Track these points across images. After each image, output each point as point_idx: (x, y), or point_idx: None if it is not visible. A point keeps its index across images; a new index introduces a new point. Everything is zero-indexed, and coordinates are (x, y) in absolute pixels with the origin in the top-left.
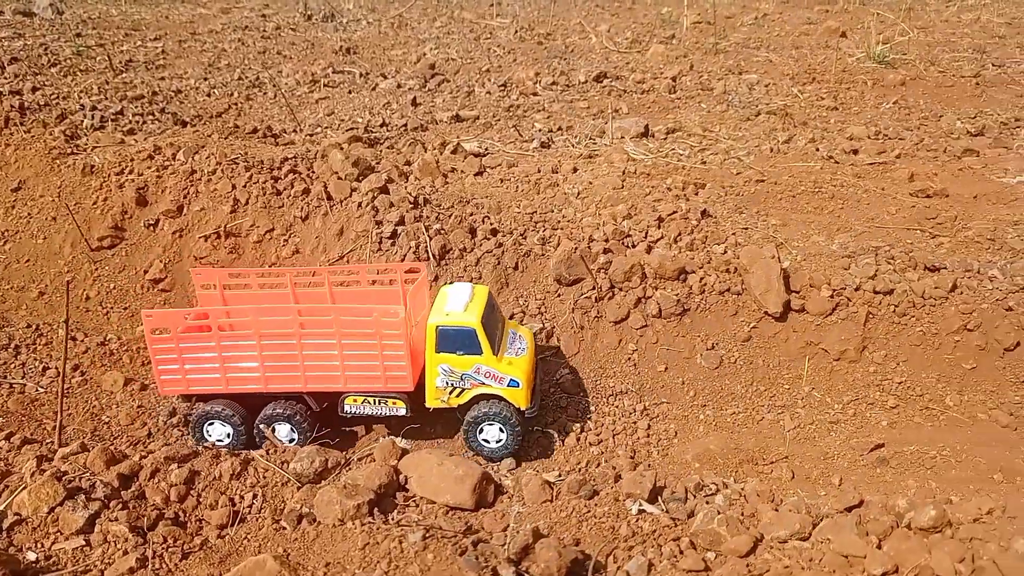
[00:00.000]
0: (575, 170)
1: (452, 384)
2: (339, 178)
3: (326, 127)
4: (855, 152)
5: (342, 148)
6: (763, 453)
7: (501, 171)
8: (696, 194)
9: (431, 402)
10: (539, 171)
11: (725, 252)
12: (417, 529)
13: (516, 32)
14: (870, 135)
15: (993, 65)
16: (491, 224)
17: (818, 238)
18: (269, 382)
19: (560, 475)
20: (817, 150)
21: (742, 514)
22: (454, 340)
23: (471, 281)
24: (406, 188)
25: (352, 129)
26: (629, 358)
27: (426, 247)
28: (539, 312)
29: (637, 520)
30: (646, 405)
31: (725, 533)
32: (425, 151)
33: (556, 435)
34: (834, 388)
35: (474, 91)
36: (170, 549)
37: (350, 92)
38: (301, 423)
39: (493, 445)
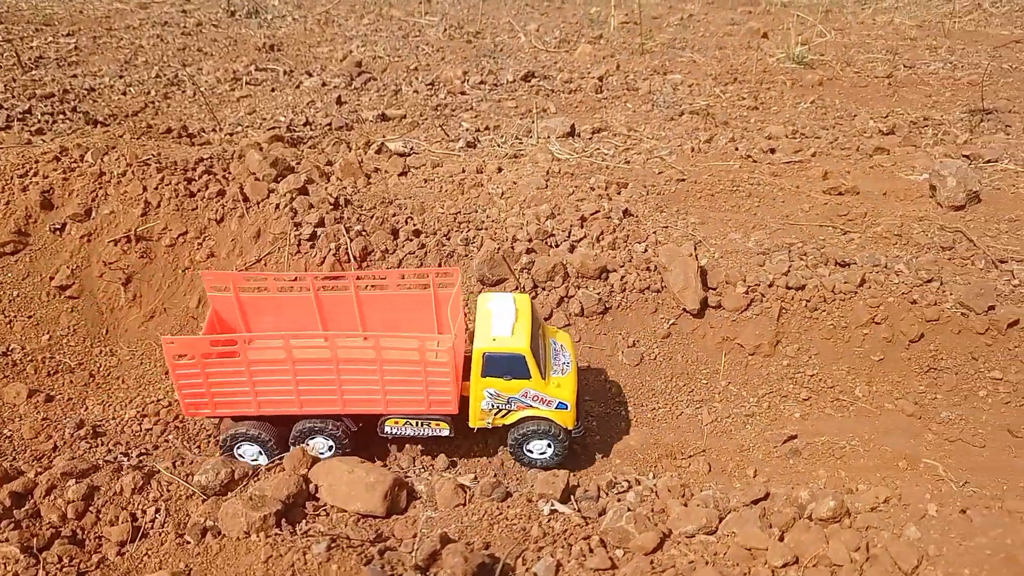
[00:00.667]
0: (500, 170)
1: (498, 406)
2: (256, 179)
3: (247, 126)
4: (772, 151)
5: (261, 148)
6: (682, 447)
7: (425, 171)
8: (619, 193)
9: (475, 423)
10: (464, 171)
11: (646, 251)
12: (322, 540)
13: (445, 30)
14: (788, 134)
15: (904, 66)
16: (414, 225)
17: (735, 235)
18: (304, 406)
19: (476, 477)
20: (736, 149)
21: (652, 510)
22: (502, 366)
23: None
24: (327, 189)
25: (274, 128)
26: None
27: (347, 249)
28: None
29: (549, 520)
30: None
31: (633, 530)
32: (350, 151)
33: (481, 438)
34: (750, 382)
35: (401, 90)
36: (64, 569)
37: (273, 90)
38: (340, 438)
39: (537, 456)
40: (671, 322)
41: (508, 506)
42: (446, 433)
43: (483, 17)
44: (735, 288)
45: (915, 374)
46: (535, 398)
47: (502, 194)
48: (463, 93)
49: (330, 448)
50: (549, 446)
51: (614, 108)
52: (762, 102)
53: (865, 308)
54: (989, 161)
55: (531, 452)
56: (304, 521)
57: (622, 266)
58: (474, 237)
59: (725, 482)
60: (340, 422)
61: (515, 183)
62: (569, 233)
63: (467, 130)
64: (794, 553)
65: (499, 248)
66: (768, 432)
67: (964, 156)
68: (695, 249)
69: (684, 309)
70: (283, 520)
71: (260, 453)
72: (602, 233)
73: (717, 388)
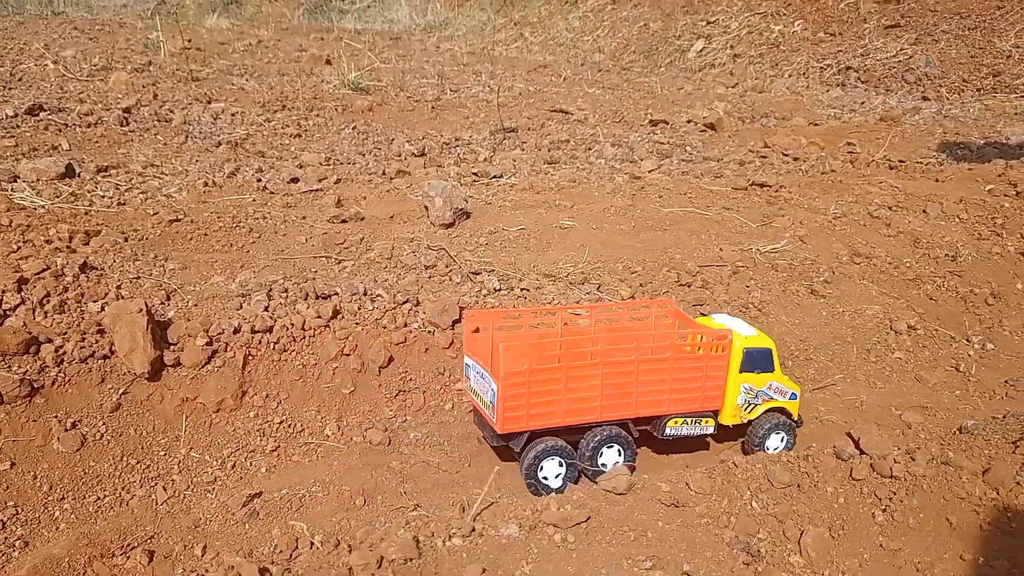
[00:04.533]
0: None
1: (748, 401)
2: None
3: None
4: (296, 180)
5: None
6: (123, 539)
7: None
8: (86, 244)
9: (729, 419)
10: None
11: (102, 310)
12: None
13: None
14: (321, 161)
15: (451, 90)
16: None
17: (219, 279)
18: (604, 411)
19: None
20: (259, 180)
21: None
22: (755, 360)
23: None
24: None
25: None
26: None
27: None
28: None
29: None
30: None
31: None
32: None
33: None
34: (214, 443)
35: None
36: None
37: None
38: (631, 444)
39: (772, 448)
40: (122, 391)
41: None
42: (711, 430)
43: (12, 41)
44: (195, 340)
45: (385, 400)
46: (776, 390)
47: None
48: None
49: (614, 462)
50: (782, 440)
51: (142, 142)
52: (306, 129)
53: (335, 341)
54: (495, 177)
55: (767, 445)
56: None
57: (62, 334)
58: None
59: (168, 571)
60: (626, 428)
61: None
62: (0, 301)
63: None
64: None
65: None
66: (231, 498)
67: (474, 174)
68: (166, 300)
69: (135, 374)
70: None
71: (561, 465)
72: (48, 295)
73: (177, 458)
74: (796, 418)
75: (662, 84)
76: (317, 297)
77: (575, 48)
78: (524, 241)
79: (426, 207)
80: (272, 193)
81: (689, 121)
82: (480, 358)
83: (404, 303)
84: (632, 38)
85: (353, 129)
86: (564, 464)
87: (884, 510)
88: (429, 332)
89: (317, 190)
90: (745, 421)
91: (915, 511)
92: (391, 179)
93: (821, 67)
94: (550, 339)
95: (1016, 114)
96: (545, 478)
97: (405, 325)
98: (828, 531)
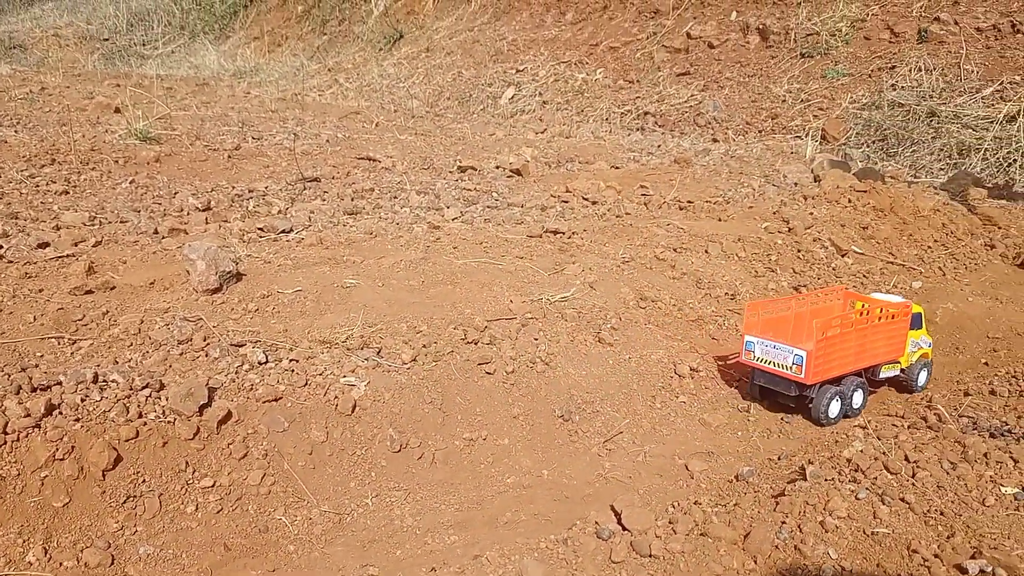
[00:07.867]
0: None
1: (911, 350)
2: None
3: None
4: (44, 246)
5: None
6: None
7: None
8: None
9: (905, 363)
10: None
11: None
12: None
13: None
14: (85, 221)
15: (253, 138)
16: None
17: None
18: (855, 363)
19: None
20: (1, 247)
21: None
22: (916, 321)
23: None
24: None
25: None
26: None
27: None
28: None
29: None
30: None
31: None
32: None
33: None
34: None
35: None
36: None
37: None
38: (867, 387)
39: (921, 382)
40: None
41: None
42: (899, 372)
43: None
44: None
45: (111, 510)
46: (924, 341)
47: None
48: None
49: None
50: (925, 374)
51: None
52: (75, 185)
53: (45, 443)
54: (283, 231)
55: (919, 380)
56: None
57: None
58: None
59: None
60: (860, 375)
61: None
62: None
63: None
64: None
65: None
66: None
67: (259, 229)
68: None
69: None
70: None
71: (838, 403)
72: None
73: None
74: (930, 358)
75: (474, 130)
76: (33, 389)
77: (391, 94)
78: (300, 304)
79: (188, 272)
80: (11, 263)
81: (497, 167)
82: (766, 334)
83: (143, 388)
84: (446, 85)
85: (132, 183)
86: (840, 403)
87: None
88: (169, 422)
89: (68, 255)
90: (910, 364)
91: None
92: (162, 239)
93: (622, 112)
94: (835, 315)
95: (792, 153)
96: (832, 412)
97: (140, 416)
98: None
